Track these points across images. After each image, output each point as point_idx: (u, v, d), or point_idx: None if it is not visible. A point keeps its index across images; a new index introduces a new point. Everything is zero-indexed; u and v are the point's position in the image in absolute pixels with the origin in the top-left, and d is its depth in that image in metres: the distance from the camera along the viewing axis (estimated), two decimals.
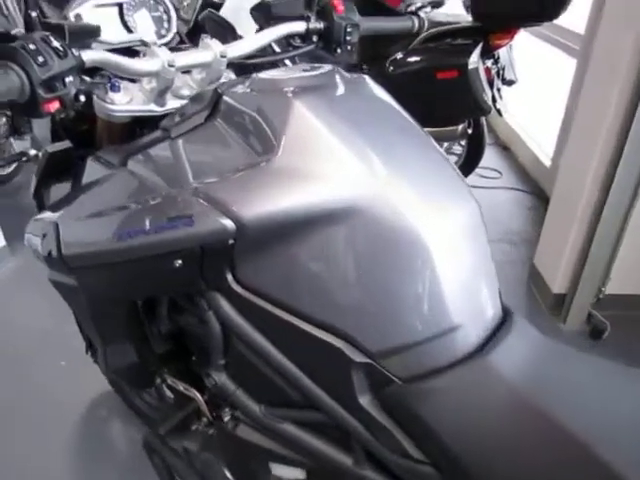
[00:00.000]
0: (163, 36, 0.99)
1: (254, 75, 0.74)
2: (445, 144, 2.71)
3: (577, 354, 0.65)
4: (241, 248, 0.64)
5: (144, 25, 0.97)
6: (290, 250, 0.63)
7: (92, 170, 0.80)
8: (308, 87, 0.68)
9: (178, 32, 1.05)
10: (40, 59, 0.58)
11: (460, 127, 2.49)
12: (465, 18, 2.54)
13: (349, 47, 0.97)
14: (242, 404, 0.80)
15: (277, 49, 1.10)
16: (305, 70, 0.73)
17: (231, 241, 0.63)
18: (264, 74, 0.73)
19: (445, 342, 0.63)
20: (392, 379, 0.64)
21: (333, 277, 0.63)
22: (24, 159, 0.90)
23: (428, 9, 3.56)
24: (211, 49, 0.84)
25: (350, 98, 0.69)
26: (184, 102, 0.87)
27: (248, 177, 0.63)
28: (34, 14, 0.62)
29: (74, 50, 0.64)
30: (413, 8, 3.46)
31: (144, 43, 0.95)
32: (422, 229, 0.61)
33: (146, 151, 0.76)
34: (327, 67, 0.74)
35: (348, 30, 0.94)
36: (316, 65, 0.76)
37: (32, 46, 0.58)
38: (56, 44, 0.60)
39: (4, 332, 1.88)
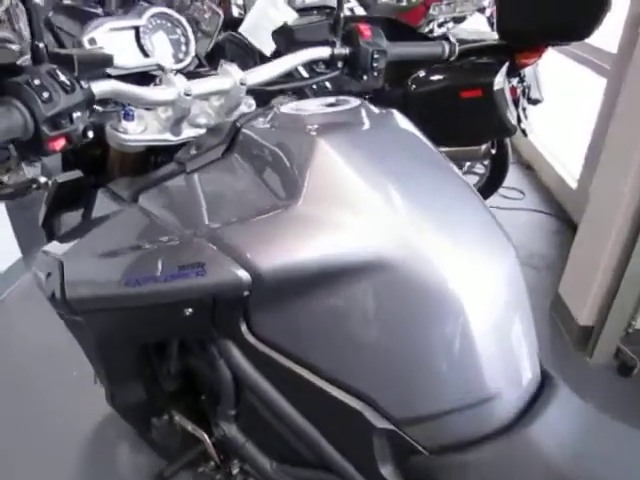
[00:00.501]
0: (181, 60, 0.95)
1: (276, 108, 0.69)
2: (467, 164, 2.65)
3: (624, 427, 0.59)
4: (256, 299, 0.60)
5: (161, 49, 0.93)
6: (309, 303, 0.58)
7: (102, 204, 0.75)
8: (333, 125, 0.62)
9: (197, 55, 1.02)
10: (45, 95, 0.53)
11: (483, 147, 2.42)
12: (490, 36, 2.48)
13: (375, 73, 0.92)
14: (251, 458, 0.75)
15: (303, 72, 1.05)
16: (330, 105, 0.68)
17: (246, 292, 0.58)
18: (286, 108, 0.68)
19: (478, 412, 0.57)
20: (417, 449, 0.58)
21: (355, 335, 0.58)
22: (34, 186, 0.86)
23: (451, 25, 3.53)
24: (230, 76, 0.79)
25: (378, 137, 0.64)
26: (201, 131, 0.83)
27: (267, 224, 0.58)
28: (41, 45, 0.58)
29: (83, 82, 0.60)
30: (435, 25, 3.43)
31: (160, 68, 0.92)
32: (455, 284, 0.55)
33: (159, 186, 0.71)
34: (354, 102, 0.69)
35: (375, 56, 0.89)
36: (342, 98, 0.71)
37: (37, 81, 0.53)
38: (63, 78, 0.56)
39: (20, 346, 1.87)
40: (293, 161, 0.60)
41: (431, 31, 3.50)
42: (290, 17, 2.58)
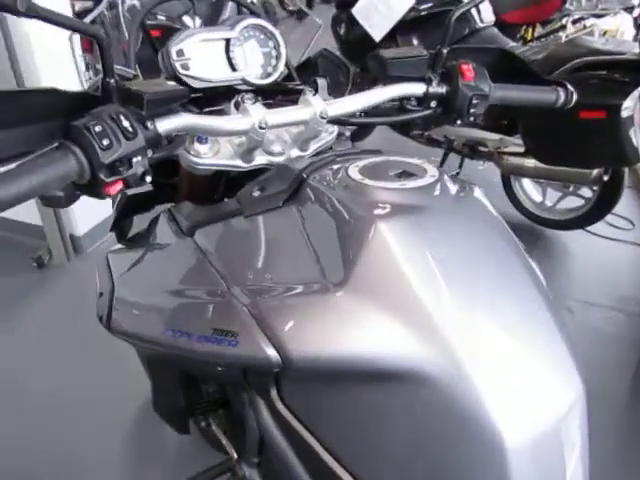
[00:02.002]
0: (269, 74, 0.91)
1: (347, 168, 0.63)
2: (572, 186, 2.42)
3: None
4: (286, 376, 0.57)
5: (250, 61, 0.89)
6: (336, 393, 0.55)
7: (162, 229, 0.75)
8: (400, 207, 0.56)
9: (287, 66, 0.97)
10: (105, 142, 0.52)
11: (595, 172, 2.19)
12: (629, 47, 2.19)
13: (472, 118, 0.83)
14: None
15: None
16: (404, 174, 0.61)
17: (276, 369, 0.55)
18: (355, 170, 0.62)
19: None
20: None
21: (378, 435, 0.54)
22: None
23: (589, 22, 3.16)
24: (311, 107, 0.75)
25: (448, 228, 0.57)
26: (273, 159, 0.80)
27: (306, 304, 0.54)
28: (112, 81, 0.57)
29: (149, 123, 0.58)
30: (570, 20, 3.10)
31: (246, 82, 0.89)
32: (500, 420, 0.48)
33: (216, 225, 0.69)
34: (431, 173, 0.62)
35: (474, 101, 0.80)
36: (421, 165, 0.64)
37: (98, 127, 0.52)
38: (126, 124, 0.54)
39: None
40: (348, 240, 0.55)
41: (563, 27, 3.17)
42: (407, 3, 2.45)
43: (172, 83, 0.65)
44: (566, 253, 2.55)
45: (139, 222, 0.97)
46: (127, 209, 0.86)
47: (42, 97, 0.59)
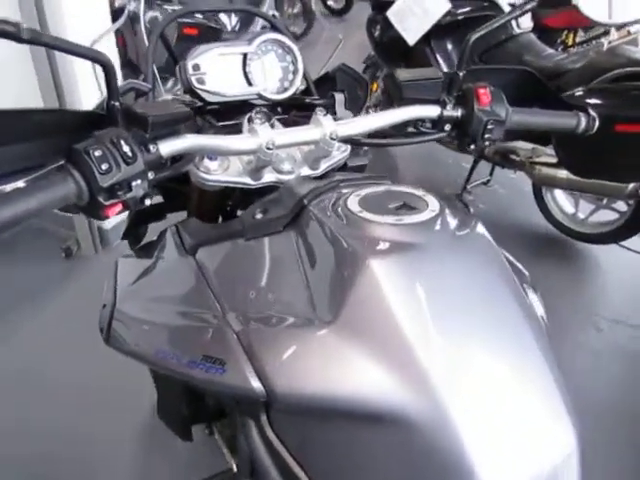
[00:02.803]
0: (286, 89, 0.91)
1: (347, 198, 0.62)
2: (606, 199, 2.34)
3: None
4: (273, 407, 0.57)
5: (268, 76, 0.89)
6: (323, 430, 0.55)
7: (168, 245, 0.76)
8: (396, 245, 0.55)
9: (306, 79, 0.97)
10: (104, 167, 0.53)
11: (630, 186, 2.10)
12: None
13: (487, 143, 0.81)
14: None
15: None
16: (404, 207, 0.60)
17: (262, 399, 0.56)
18: (355, 201, 0.61)
19: None
20: None
21: (362, 476, 0.53)
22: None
23: (634, 27, 3.04)
24: (321, 127, 0.74)
25: (444, 268, 0.55)
26: (282, 177, 0.80)
27: (295, 339, 0.54)
28: (117, 104, 0.58)
29: (151, 146, 0.59)
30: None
31: (261, 97, 0.89)
32: (484, 471, 0.47)
33: (217, 245, 0.70)
34: (433, 206, 0.60)
35: (489, 127, 0.78)
36: (423, 197, 0.62)
37: (98, 152, 0.53)
38: (126, 149, 0.55)
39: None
40: (340, 275, 0.55)
41: (606, 33, 3.05)
42: (444, 8, 2.40)
43: (177, 105, 0.65)
44: (597, 268, 2.47)
45: (155, 226, 0.99)
46: (139, 218, 0.88)
47: (50, 115, 0.61)
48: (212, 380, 0.56)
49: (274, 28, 0.98)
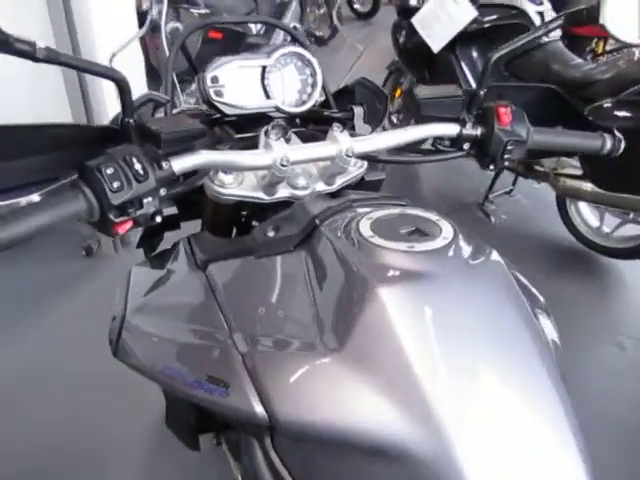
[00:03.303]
0: (304, 102, 0.90)
1: (359, 221, 0.61)
2: (632, 213, 2.28)
3: None
4: (276, 431, 0.56)
5: (286, 89, 0.89)
6: (326, 458, 0.54)
7: (179, 258, 0.76)
8: (406, 274, 0.54)
9: (325, 92, 0.96)
10: (115, 185, 0.53)
11: None
12: None
13: (507, 163, 0.79)
14: None
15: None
16: (417, 233, 0.59)
17: (265, 424, 0.55)
18: (366, 225, 0.60)
19: None
20: None
21: None
22: None
23: None
24: (337, 144, 0.73)
25: (456, 299, 0.54)
26: (297, 192, 0.79)
27: (300, 366, 0.53)
28: (131, 120, 0.58)
29: (164, 163, 0.59)
30: None
31: (279, 110, 0.88)
32: None
33: (228, 262, 0.70)
34: (446, 233, 0.59)
35: (509, 147, 0.76)
36: (438, 222, 0.61)
37: (109, 169, 0.53)
38: (137, 166, 0.55)
39: None
40: (348, 302, 0.54)
41: None
42: (470, 15, 2.37)
43: (192, 120, 0.65)
44: (622, 284, 2.40)
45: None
46: (153, 228, 0.88)
47: (66, 130, 0.61)
48: (215, 402, 0.56)
49: (295, 40, 0.97)
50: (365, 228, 0.59)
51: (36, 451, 1.49)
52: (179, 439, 1.00)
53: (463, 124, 0.77)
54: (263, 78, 0.86)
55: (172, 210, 0.87)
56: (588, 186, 2.15)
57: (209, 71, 0.83)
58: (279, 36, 3.46)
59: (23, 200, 0.60)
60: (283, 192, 0.79)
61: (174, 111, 0.95)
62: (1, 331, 1.89)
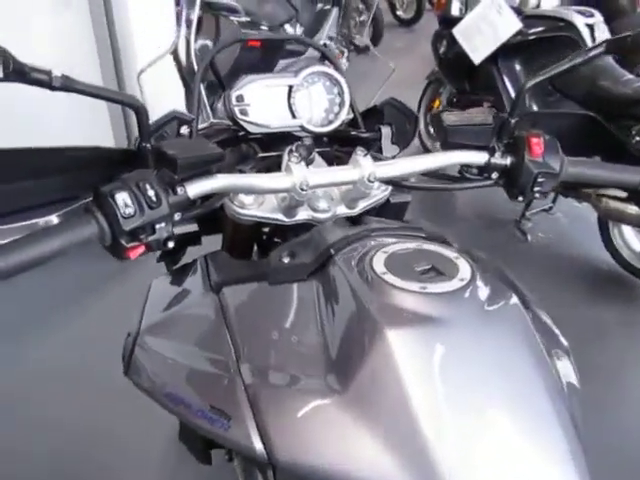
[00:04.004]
0: (330, 122, 0.89)
1: (373, 256, 0.59)
2: None
3: None
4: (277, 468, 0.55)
5: (313, 107, 0.88)
6: None
7: (195, 276, 0.76)
8: (418, 317, 0.51)
9: (353, 111, 0.94)
10: (128, 211, 0.53)
11: None
12: None
13: (537, 195, 0.75)
14: None
15: None
16: (431, 271, 0.56)
17: (264, 461, 0.54)
18: (380, 261, 0.58)
19: None
20: None
21: None
22: None
23: None
24: (359, 168, 0.71)
25: (468, 343, 0.51)
26: (317, 216, 0.78)
27: (303, 405, 0.52)
28: (148, 146, 0.58)
29: (179, 188, 0.58)
30: None
31: (305, 129, 0.87)
32: None
33: (241, 286, 0.69)
34: (463, 275, 0.56)
35: (539, 180, 0.72)
36: (452, 260, 0.58)
37: (122, 195, 0.53)
38: (150, 193, 0.54)
39: None
40: (355, 341, 0.52)
41: None
42: (514, 27, 2.30)
43: (210, 145, 0.64)
44: None
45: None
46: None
47: (86, 152, 0.62)
48: (217, 433, 0.55)
49: (324, 58, 0.96)
50: (379, 263, 0.57)
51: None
52: (191, 453, 1.00)
53: (492, 152, 0.74)
54: (289, 97, 0.85)
55: (193, 227, 0.87)
56: (633, 209, 2.05)
57: (235, 90, 0.82)
58: (320, 40, 3.46)
59: (41, 221, 0.61)
60: (303, 215, 0.78)
61: (202, 125, 0.95)
62: (33, 331, 1.94)
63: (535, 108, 2.24)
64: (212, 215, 0.86)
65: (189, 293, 0.74)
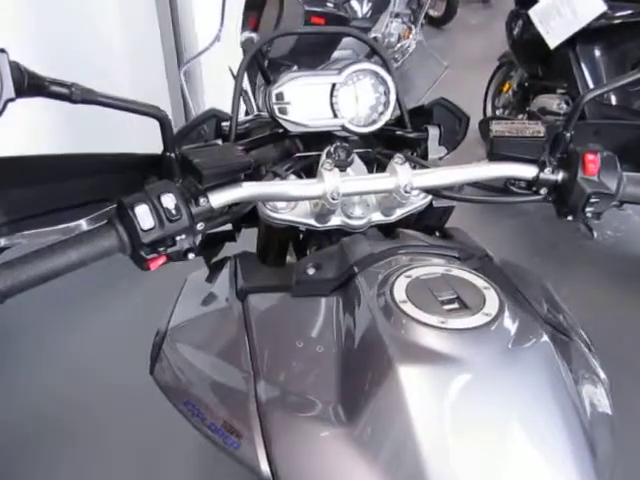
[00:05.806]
0: (374, 122, 0.85)
1: (395, 282, 0.56)
2: None
3: None
4: None
5: (356, 107, 0.84)
6: None
7: (224, 278, 0.76)
8: (435, 354, 0.48)
9: (400, 106, 0.90)
10: (147, 225, 0.53)
11: None
12: None
13: (589, 215, 0.69)
14: None
15: None
16: (458, 302, 0.53)
17: None
18: (404, 288, 0.55)
19: None
20: None
21: None
22: None
23: None
24: (395, 177, 0.68)
25: (487, 387, 0.47)
26: (351, 222, 0.76)
27: (313, 432, 0.51)
28: (172, 155, 0.57)
29: (202, 199, 0.58)
30: None
31: (345, 129, 0.84)
32: None
33: (265, 295, 0.68)
34: (489, 309, 0.52)
35: (592, 200, 0.66)
36: (479, 291, 0.54)
37: (143, 208, 0.53)
38: (170, 206, 0.54)
39: None
40: (368, 372, 0.50)
41: None
42: (598, 9, 2.11)
43: (239, 153, 0.63)
44: None
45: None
46: (210, 241, 0.89)
47: (116, 157, 0.62)
48: (226, 450, 0.55)
49: (374, 52, 0.92)
50: (400, 290, 0.54)
51: None
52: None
53: (542, 167, 0.68)
54: (332, 95, 0.82)
55: (226, 229, 0.87)
56: None
57: (275, 87, 0.80)
58: (385, 19, 3.34)
59: (72, 224, 0.62)
60: (336, 220, 0.76)
61: (247, 118, 0.94)
62: (62, 329, 1.94)
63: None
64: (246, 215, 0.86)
65: (216, 296, 0.75)
